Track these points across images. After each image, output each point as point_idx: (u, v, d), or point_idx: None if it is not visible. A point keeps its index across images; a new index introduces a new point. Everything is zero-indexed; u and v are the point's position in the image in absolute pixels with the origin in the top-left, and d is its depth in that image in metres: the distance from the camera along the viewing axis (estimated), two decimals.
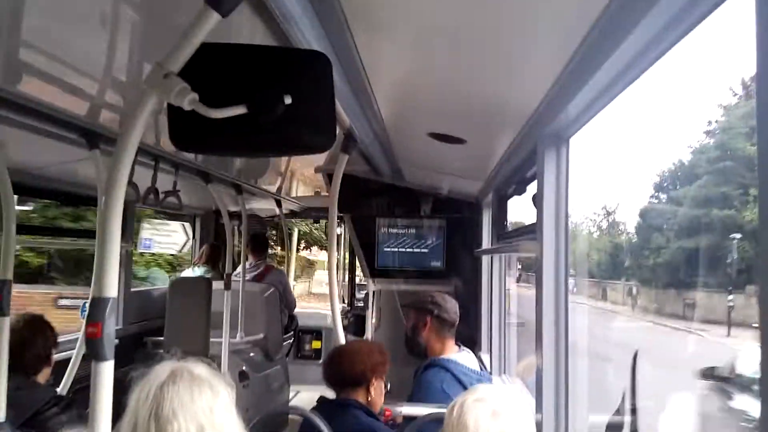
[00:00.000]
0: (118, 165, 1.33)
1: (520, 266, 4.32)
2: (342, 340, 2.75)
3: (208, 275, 4.91)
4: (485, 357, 3.81)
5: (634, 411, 1.69)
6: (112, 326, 1.33)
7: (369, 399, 2.30)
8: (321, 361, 5.72)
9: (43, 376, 2.47)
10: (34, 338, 2.44)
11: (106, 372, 1.33)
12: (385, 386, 2.40)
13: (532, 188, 2.49)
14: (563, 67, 1.44)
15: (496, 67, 1.67)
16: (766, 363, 0.71)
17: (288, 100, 1.32)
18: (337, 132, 2.37)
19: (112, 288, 1.33)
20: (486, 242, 3.98)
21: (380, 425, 2.27)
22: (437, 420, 1.55)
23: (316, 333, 5.92)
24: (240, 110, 1.29)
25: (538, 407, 1.95)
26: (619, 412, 1.77)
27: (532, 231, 2.10)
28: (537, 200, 1.86)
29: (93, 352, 1.31)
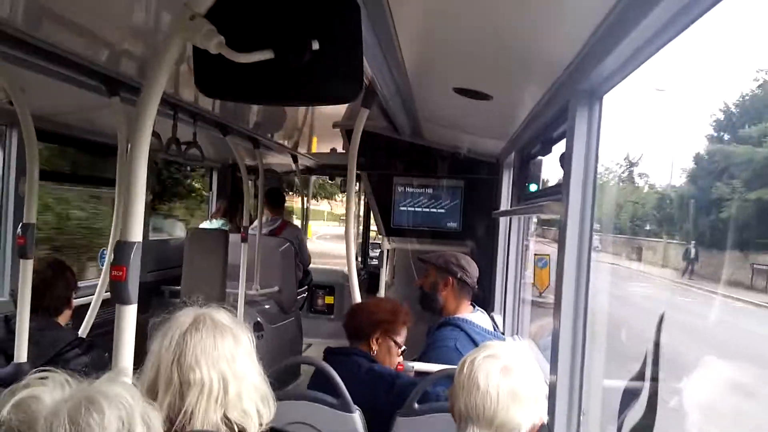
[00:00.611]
0: (144, 110, 1.31)
1: (536, 222, 4.30)
2: (358, 297, 2.77)
3: (225, 228, 4.94)
4: (498, 318, 3.83)
5: (655, 379, 1.68)
6: (136, 270, 1.34)
7: (372, 353, 2.35)
8: (333, 315, 5.82)
9: (64, 318, 2.53)
10: (55, 280, 2.49)
11: (129, 315, 1.34)
12: (399, 346, 2.43)
13: (557, 149, 2.44)
14: (602, 19, 1.38)
15: (529, 18, 1.61)
16: None
17: (315, 46, 1.28)
18: None
19: (137, 233, 1.34)
20: (505, 204, 3.94)
21: (380, 366, 2.32)
22: (450, 377, 1.56)
23: (329, 288, 5.99)
24: (267, 55, 1.26)
25: (553, 369, 1.95)
26: (639, 377, 1.76)
27: (557, 192, 2.06)
28: (565, 160, 1.81)
29: (117, 296, 1.33)
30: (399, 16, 1.69)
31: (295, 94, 1.43)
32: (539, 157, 3.02)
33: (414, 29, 1.91)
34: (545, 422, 1.50)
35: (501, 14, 1.61)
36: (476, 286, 2.93)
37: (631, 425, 1.74)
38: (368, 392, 2.22)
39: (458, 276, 2.89)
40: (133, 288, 1.33)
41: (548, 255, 4.90)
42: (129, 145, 1.67)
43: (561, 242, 1.85)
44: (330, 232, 17.41)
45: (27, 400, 0.94)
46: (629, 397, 1.78)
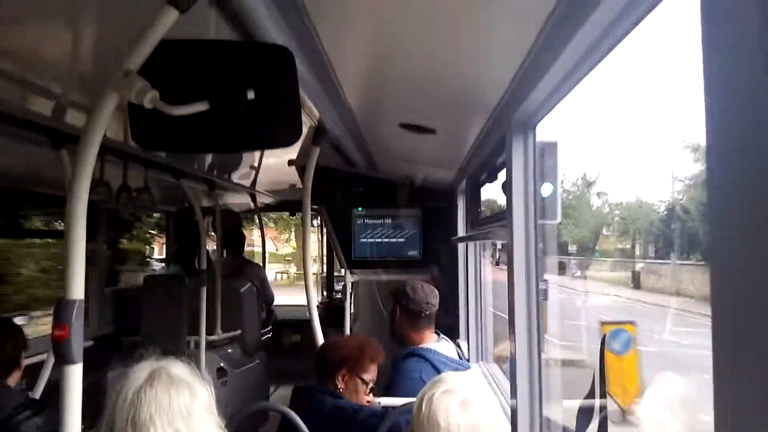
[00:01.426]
0: (82, 164, 1.31)
1: (500, 248, 4.35)
2: (319, 334, 2.76)
3: (182, 272, 4.86)
4: (463, 344, 3.85)
5: (603, 395, 1.71)
6: (80, 328, 1.32)
7: (339, 390, 2.33)
8: (301, 354, 5.73)
9: (14, 379, 2.44)
10: (3, 342, 2.40)
11: (74, 375, 1.31)
12: (366, 384, 2.40)
13: (502, 176, 2.51)
14: (526, 54, 1.45)
15: (462, 55, 1.67)
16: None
17: (251, 95, 1.31)
18: (308, 125, 2.38)
19: (78, 290, 1.32)
20: (461, 230, 4.00)
21: (343, 401, 2.29)
22: None
23: (296, 326, 5.91)
24: (202, 107, 1.28)
25: (513, 393, 1.97)
26: (590, 395, 1.79)
27: (503, 218, 2.12)
28: (506, 187, 1.87)
29: (61, 355, 1.30)
30: (336, 59, 1.74)
31: (235, 142, 1.45)
32: (487, 184, 3.09)
33: (352, 70, 1.97)
34: None
35: (433, 52, 1.68)
36: (426, 311, 2.92)
37: None
38: (333, 429, 2.20)
39: (402, 303, 2.91)
40: (77, 346, 1.30)
41: (630, 326, 3.23)
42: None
43: (509, 266, 1.89)
44: (275, 277, 16.37)
45: None
46: (583, 417, 1.81)
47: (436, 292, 3.01)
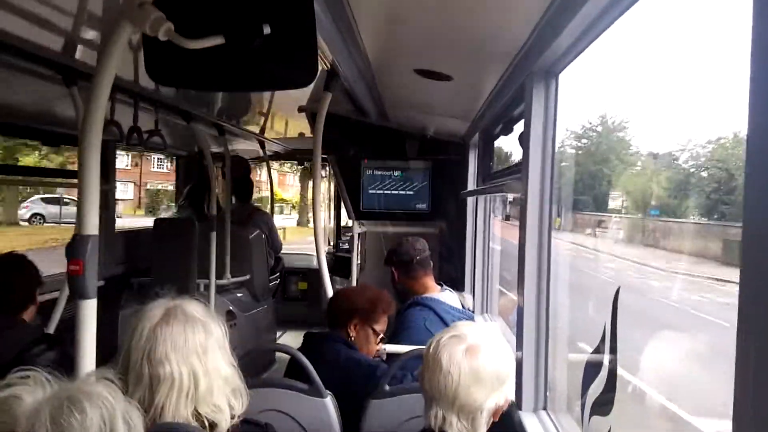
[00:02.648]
0: (95, 100, 1.29)
1: (511, 201, 4.32)
2: (328, 283, 2.78)
3: (192, 217, 4.88)
4: (469, 297, 3.88)
5: (613, 350, 1.72)
6: (94, 264, 1.33)
7: (351, 339, 2.36)
8: (307, 301, 5.82)
9: (29, 315, 2.48)
10: (17, 278, 2.43)
11: (89, 310, 1.33)
12: (377, 334, 2.44)
13: (519, 128, 2.47)
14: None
15: (484, 0, 1.61)
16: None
17: (267, 30, 1.27)
18: (320, 69, 2.33)
19: (93, 226, 1.32)
20: (472, 184, 3.97)
21: (360, 354, 2.34)
22: (419, 357, 1.58)
23: (303, 274, 5.97)
24: (217, 41, 1.24)
25: (519, 345, 1.99)
26: (598, 350, 1.80)
27: (518, 171, 2.09)
28: (523, 139, 1.84)
29: (76, 290, 1.31)
30: (354, 1, 1.68)
31: (248, 80, 1.42)
32: (502, 136, 3.05)
33: (371, 12, 1.91)
34: (512, 401, 1.52)
35: None
36: (417, 256, 2.97)
37: (593, 399, 1.78)
38: (346, 378, 2.23)
39: (394, 260, 3.00)
40: (92, 282, 1.31)
41: None
42: None
43: (522, 220, 1.88)
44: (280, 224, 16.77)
45: (8, 400, 0.93)
46: (591, 371, 1.83)
47: (423, 241, 3.07)
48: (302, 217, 20.40)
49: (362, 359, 2.33)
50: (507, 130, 2.68)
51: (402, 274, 2.99)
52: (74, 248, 1.30)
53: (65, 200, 17.88)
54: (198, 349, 1.39)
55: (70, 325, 1.38)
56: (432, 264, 3.06)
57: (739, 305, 0.71)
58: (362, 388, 2.20)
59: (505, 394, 1.46)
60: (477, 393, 1.41)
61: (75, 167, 1.42)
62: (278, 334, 5.28)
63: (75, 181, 1.36)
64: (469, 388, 1.41)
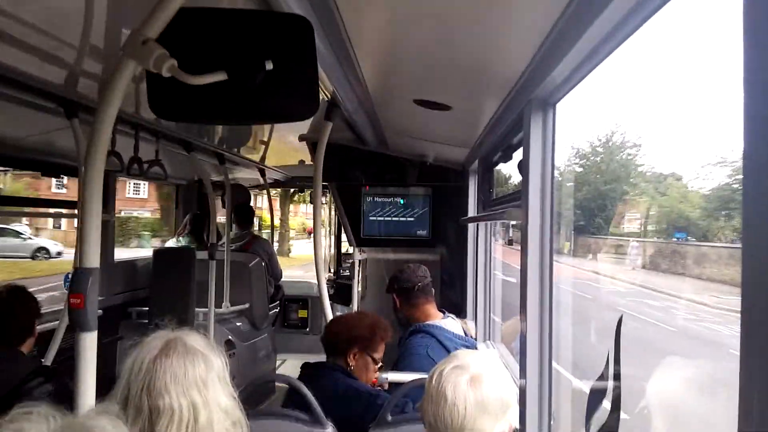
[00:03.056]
0: (98, 134, 1.31)
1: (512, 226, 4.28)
2: (328, 310, 2.77)
3: (192, 246, 4.88)
4: (471, 324, 3.85)
5: (617, 377, 1.71)
6: (95, 297, 1.33)
7: (350, 368, 2.34)
8: (308, 329, 5.78)
9: (27, 346, 2.46)
10: (17, 309, 2.42)
11: (89, 342, 1.33)
12: (376, 362, 2.43)
13: (518, 155, 2.48)
14: (549, 30, 1.42)
15: (482, 32, 1.64)
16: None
17: (269, 66, 1.29)
18: (321, 99, 2.36)
19: (94, 259, 1.33)
20: (472, 210, 3.98)
21: (359, 383, 2.31)
22: (423, 386, 1.57)
23: (303, 302, 5.94)
24: (220, 77, 1.26)
25: (522, 373, 1.98)
26: (602, 377, 1.79)
27: (518, 198, 2.10)
28: (523, 167, 1.85)
29: (77, 323, 1.31)
30: (353, 32, 1.71)
31: (251, 113, 1.44)
32: (501, 164, 3.07)
33: (370, 44, 1.94)
34: (516, 428, 1.50)
35: (453, 27, 1.64)
36: (419, 283, 2.96)
37: (597, 426, 1.77)
38: (346, 408, 2.21)
39: (395, 287, 2.99)
40: (92, 315, 1.31)
41: None
42: None
43: (523, 246, 1.88)
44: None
45: None
46: (595, 398, 1.81)
47: (424, 267, 3.07)
48: (282, 245, 17.90)
49: (362, 388, 2.31)
50: (506, 158, 2.69)
51: (404, 301, 2.98)
52: (75, 282, 1.30)
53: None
54: (198, 382, 1.38)
55: (68, 357, 1.37)
56: (434, 291, 3.05)
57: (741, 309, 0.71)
58: (362, 418, 2.18)
59: (509, 421, 1.45)
60: (484, 423, 1.40)
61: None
62: (278, 362, 5.23)
63: (75, 211, 1.36)
64: (476, 420, 1.39)
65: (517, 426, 1.49)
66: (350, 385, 2.29)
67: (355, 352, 2.37)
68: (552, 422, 1.95)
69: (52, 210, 4.67)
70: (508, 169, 3.20)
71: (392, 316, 3.15)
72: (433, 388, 1.45)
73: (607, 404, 1.73)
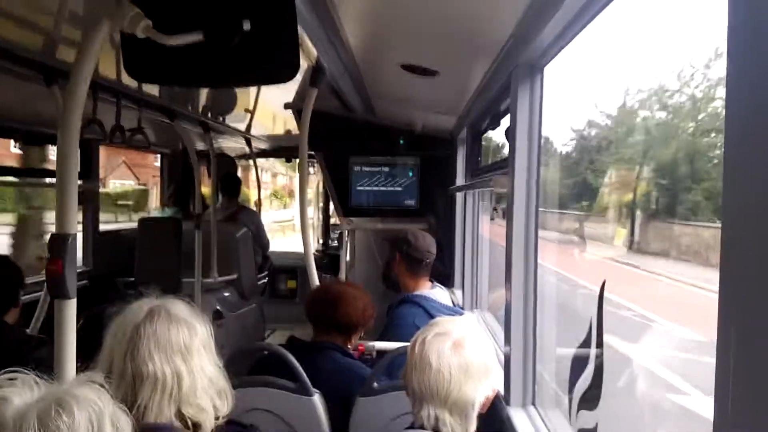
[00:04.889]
0: (73, 98, 1.27)
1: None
2: (316, 281, 2.76)
3: (178, 216, 4.84)
4: (458, 293, 3.88)
5: (600, 344, 1.72)
6: (73, 263, 1.30)
7: (349, 344, 2.34)
8: (297, 299, 5.79)
9: (11, 316, 2.44)
10: (1, 279, 2.40)
11: (69, 310, 1.31)
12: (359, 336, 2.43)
13: (506, 122, 2.46)
14: None
15: None
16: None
17: (247, 26, 1.25)
18: (305, 65, 2.31)
19: (71, 225, 1.30)
20: (460, 179, 3.97)
21: (358, 364, 2.31)
22: (405, 354, 1.57)
23: (291, 272, 5.95)
24: (196, 37, 1.23)
25: (507, 340, 1.99)
26: (585, 344, 1.80)
27: (505, 166, 2.08)
28: (510, 133, 1.83)
29: (55, 290, 1.29)
30: None
31: (229, 76, 1.41)
32: (490, 131, 3.05)
33: (354, 7, 1.89)
34: (498, 392, 1.51)
35: None
36: (427, 259, 2.94)
37: (580, 393, 1.79)
38: (347, 386, 2.20)
39: (404, 250, 2.91)
40: (71, 281, 1.29)
41: None
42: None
43: (509, 215, 1.87)
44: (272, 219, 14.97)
45: None
46: (578, 365, 1.83)
47: (434, 241, 3.02)
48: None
49: (356, 367, 2.29)
50: (494, 125, 2.67)
51: (406, 268, 2.92)
52: (53, 247, 1.27)
53: None
54: (182, 349, 1.37)
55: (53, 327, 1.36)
56: None
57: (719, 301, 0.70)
58: (351, 389, 2.18)
59: (492, 385, 1.45)
60: (469, 388, 1.40)
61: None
62: (267, 333, 5.25)
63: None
64: (461, 384, 1.40)
65: (501, 390, 1.50)
66: (349, 365, 2.27)
67: (357, 334, 2.37)
68: (536, 387, 1.97)
69: (31, 179, 4.61)
70: (499, 138, 3.16)
71: (380, 287, 3.15)
72: (417, 356, 1.45)
73: (589, 370, 1.75)
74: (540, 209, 1.84)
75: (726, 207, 0.70)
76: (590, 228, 3.91)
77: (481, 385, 1.42)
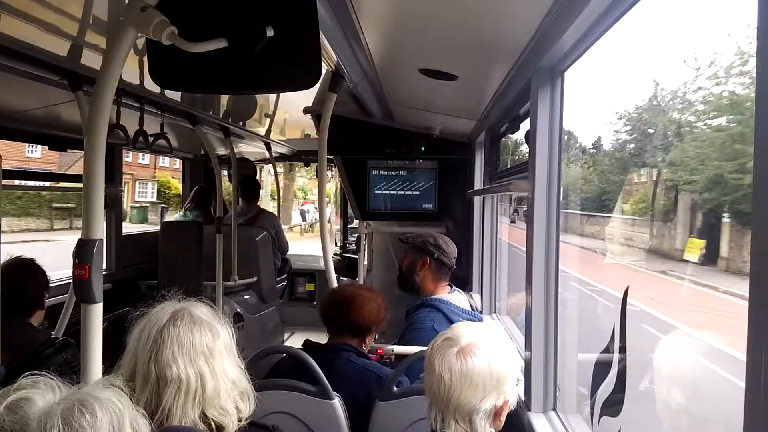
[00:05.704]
0: (99, 103, 1.30)
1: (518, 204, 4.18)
2: (334, 284, 2.77)
3: (199, 219, 4.89)
4: (477, 297, 3.86)
5: (623, 350, 1.70)
6: (100, 268, 1.33)
7: (364, 346, 2.35)
8: (315, 303, 5.81)
9: (37, 319, 2.49)
10: (26, 281, 2.44)
11: (95, 314, 1.33)
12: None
13: (525, 126, 2.45)
14: None
15: None
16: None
17: (270, 33, 1.27)
18: (325, 70, 2.33)
19: (98, 230, 1.32)
20: (478, 183, 3.96)
21: (374, 364, 2.32)
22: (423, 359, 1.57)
23: (310, 275, 5.97)
24: (220, 44, 1.24)
25: (527, 345, 1.98)
26: (608, 350, 1.79)
27: (524, 169, 2.08)
28: (530, 137, 1.83)
29: (82, 295, 1.31)
30: (357, 1, 1.68)
31: (252, 82, 1.42)
32: (509, 135, 3.03)
33: (374, 12, 1.90)
34: (511, 402, 1.48)
35: None
36: (454, 266, 2.94)
37: (603, 399, 1.77)
38: (365, 387, 2.21)
39: (435, 256, 2.91)
40: (98, 286, 1.31)
41: None
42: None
43: (529, 219, 1.87)
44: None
45: (19, 402, 0.94)
46: (600, 371, 1.81)
47: (455, 248, 3.03)
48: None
49: (373, 368, 2.30)
50: (513, 129, 2.66)
51: (431, 271, 2.92)
52: (79, 253, 1.30)
53: None
54: (205, 351, 1.39)
55: (78, 329, 1.38)
56: None
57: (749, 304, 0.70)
58: (370, 392, 2.18)
59: (503, 395, 1.42)
60: (469, 395, 1.39)
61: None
62: (286, 335, 5.28)
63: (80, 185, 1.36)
64: (461, 391, 1.39)
65: (514, 400, 1.47)
66: (366, 366, 2.29)
67: (372, 335, 2.38)
68: (558, 393, 1.96)
69: (60, 184, 4.69)
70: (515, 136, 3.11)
71: (396, 290, 3.14)
72: (427, 360, 1.46)
73: (612, 376, 1.73)
74: (580, 213, 1.83)
75: (757, 213, 0.69)
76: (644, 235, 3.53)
77: (485, 394, 1.39)
